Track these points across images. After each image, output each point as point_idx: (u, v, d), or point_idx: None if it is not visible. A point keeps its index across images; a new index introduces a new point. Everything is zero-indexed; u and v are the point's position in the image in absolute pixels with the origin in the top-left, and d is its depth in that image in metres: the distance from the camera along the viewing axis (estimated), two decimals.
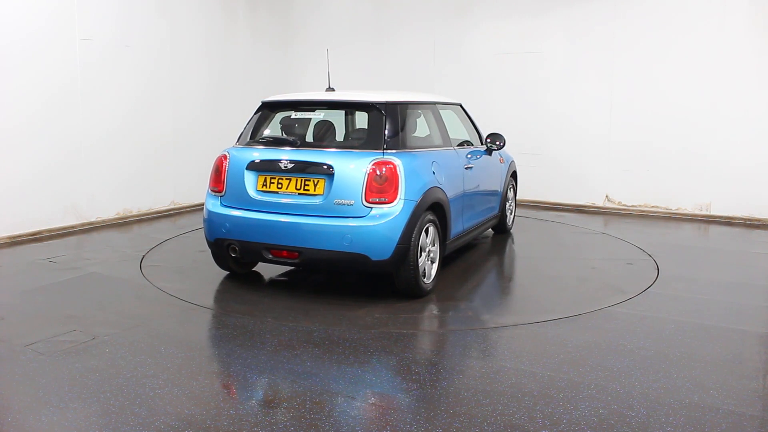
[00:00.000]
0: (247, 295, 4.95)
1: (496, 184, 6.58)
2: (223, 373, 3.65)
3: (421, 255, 4.75)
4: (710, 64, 7.83)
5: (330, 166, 4.62)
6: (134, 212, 7.93)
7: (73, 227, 7.16)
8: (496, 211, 6.66)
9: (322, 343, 3.96)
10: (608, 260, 6.13)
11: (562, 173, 8.88)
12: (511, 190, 7.19)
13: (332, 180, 4.60)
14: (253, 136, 5.21)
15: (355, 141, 5.02)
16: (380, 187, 4.54)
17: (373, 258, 4.53)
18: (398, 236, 4.53)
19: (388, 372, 3.61)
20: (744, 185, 7.80)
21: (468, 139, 6.24)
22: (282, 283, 5.37)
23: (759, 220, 7.76)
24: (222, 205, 4.98)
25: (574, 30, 8.64)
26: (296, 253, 4.68)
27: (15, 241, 6.53)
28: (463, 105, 6.45)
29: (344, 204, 4.56)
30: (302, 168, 4.72)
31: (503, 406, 3.15)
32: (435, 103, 5.76)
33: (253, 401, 3.22)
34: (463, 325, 4.38)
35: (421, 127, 5.54)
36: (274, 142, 5.07)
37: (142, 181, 7.99)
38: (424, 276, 4.84)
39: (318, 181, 4.66)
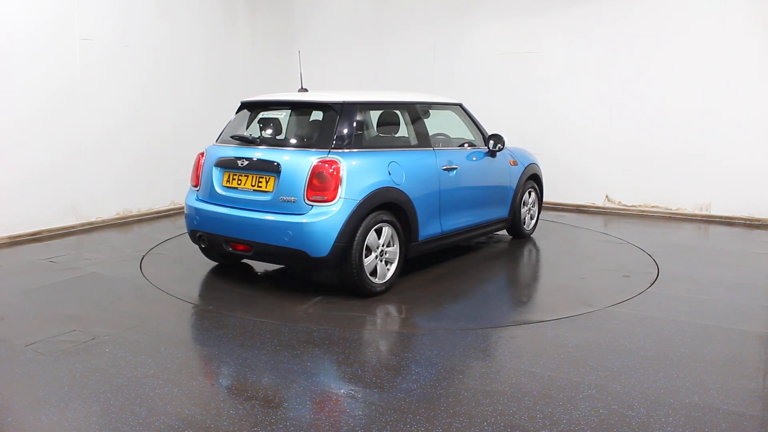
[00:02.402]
0: (230, 287, 4.97)
1: (501, 186, 6.46)
2: (223, 373, 3.65)
3: (368, 255, 4.78)
4: (710, 64, 7.83)
5: (278, 164, 4.77)
6: (134, 212, 7.93)
7: (73, 227, 7.16)
8: (503, 215, 6.52)
9: (322, 343, 3.96)
10: (607, 268, 6.13)
11: (562, 173, 8.86)
12: (532, 193, 6.99)
13: (279, 177, 4.75)
14: (228, 134, 5.46)
15: (308, 140, 5.09)
16: (321, 186, 4.62)
17: (312, 255, 4.62)
18: (336, 234, 4.58)
19: (389, 372, 3.61)
20: (744, 185, 7.79)
21: (469, 139, 6.21)
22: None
23: (759, 220, 7.76)
24: (197, 199, 5.29)
25: (574, 30, 8.64)
26: (249, 247, 4.88)
27: (15, 241, 6.53)
28: (463, 105, 6.41)
29: (288, 201, 4.69)
30: (256, 165, 4.91)
31: (503, 406, 3.15)
32: (415, 104, 5.69)
33: (253, 401, 3.22)
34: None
35: (391, 128, 5.51)
36: (240, 141, 5.27)
37: (142, 181, 7.99)
38: (375, 276, 4.87)
39: (269, 179, 4.83)
